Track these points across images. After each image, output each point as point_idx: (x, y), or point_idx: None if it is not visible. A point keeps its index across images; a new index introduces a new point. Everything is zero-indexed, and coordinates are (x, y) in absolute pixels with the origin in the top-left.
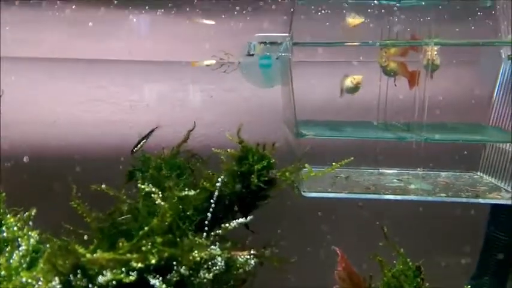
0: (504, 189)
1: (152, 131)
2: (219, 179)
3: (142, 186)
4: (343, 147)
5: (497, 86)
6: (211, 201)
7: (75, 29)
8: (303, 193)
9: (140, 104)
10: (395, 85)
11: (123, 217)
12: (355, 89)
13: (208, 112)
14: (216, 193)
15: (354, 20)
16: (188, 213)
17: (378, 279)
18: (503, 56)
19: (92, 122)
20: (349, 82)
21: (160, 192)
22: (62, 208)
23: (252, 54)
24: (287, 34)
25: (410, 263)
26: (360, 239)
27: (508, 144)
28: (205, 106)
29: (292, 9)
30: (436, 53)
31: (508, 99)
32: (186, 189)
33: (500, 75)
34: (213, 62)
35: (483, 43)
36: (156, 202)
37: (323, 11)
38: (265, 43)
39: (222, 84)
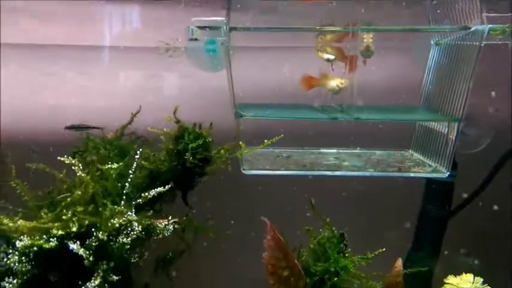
0: (428, 164)
1: (95, 127)
2: (138, 152)
3: (62, 159)
4: (289, 129)
5: (426, 70)
6: (130, 171)
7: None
8: (243, 171)
9: (92, 90)
10: (333, 69)
11: (62, 195)
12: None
13: (162, 97)
14: (135, 164)
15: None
16: (126, 190)
17: None
18: (432, 42)
19: (42, 108)
20: (334, 85)
21: (80, 165)
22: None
23: (196, 39)
24: (224, 18)
25: (335, 231)
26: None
27: (433, 123)
28: (159, 92)
29: None
30: (371, 39)
31: (435, 81)
32: (109, 163)
33: (429, 59)
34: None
35: (407, 29)
36: (78, 174)
37: None
38: (204, 28)
39: (176, 70)
